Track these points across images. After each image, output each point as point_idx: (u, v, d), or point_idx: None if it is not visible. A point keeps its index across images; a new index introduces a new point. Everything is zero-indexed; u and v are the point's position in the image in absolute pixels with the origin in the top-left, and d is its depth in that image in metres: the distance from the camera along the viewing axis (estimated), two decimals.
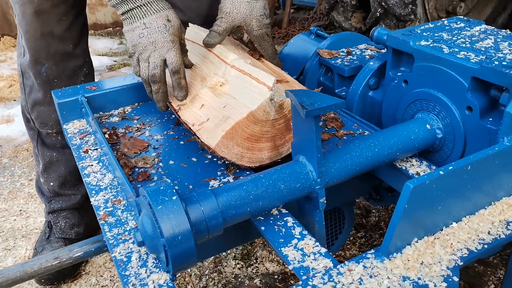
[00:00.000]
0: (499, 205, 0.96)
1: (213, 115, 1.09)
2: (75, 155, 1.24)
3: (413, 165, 1.13)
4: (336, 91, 1.53)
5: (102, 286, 1.61)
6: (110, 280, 1.63)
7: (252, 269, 1.62)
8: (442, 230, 0.90)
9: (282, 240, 0.91)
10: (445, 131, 1.11)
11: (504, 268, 1.54)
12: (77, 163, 1.20)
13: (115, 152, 1.21)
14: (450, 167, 0.84)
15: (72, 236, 1.72)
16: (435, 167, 1.12)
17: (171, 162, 1.17)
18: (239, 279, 1.59)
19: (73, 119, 1.40)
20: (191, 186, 1.07)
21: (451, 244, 0.86)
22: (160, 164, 1.17)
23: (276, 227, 0.94)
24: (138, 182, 1.09)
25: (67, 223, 1.71)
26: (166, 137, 1.29)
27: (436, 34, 1.19)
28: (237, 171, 1.11)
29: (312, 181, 0.95)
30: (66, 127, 1.38)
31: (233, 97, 1.09)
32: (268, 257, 1.66)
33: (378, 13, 3.01)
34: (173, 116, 1.40)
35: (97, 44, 4.53)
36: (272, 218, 0.97)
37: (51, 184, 1.67)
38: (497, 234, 0.89)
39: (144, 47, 1.15)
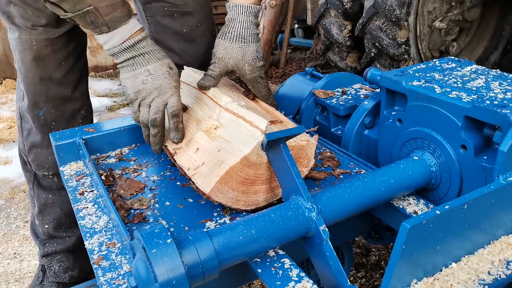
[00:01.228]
0: (498, 244, 0.95)
1: (208, 159, 1.10)
2: (71, 197, 1.23)
3: (410, 203, 1.13)
4: (332, 130, 1.54)
5: None
6: None
7: None
8: (441, 270, 0.88)
9: (279, 283, 0.89)
10: (441, 169, 1.11)
11: None
12: (72, 205, 1.19)
13: (111, 194, 1.21)
14: (447, 206, 0.83)
15: (66, 280, 1.68)
16: (432, 206, 1.11)
17: (167, 203, 1.16)
18: None
19: (70, 161, 1.41)
20: (187, 228, 1.06)
21: (451, 285, 0.85)
22: (156, 205, 1.16)
23: (273, 269, 0.93)
24: (133, 224, 1.08)
25: (61, 266, 1.68)
26: (163, 178, 1.29)
27: (428, 74, 1.21)
28: (234, 212, 1.10)
29: (306, 210, 0.94)
30: (63, 169, 1.38)
31: (227, 140, 1.10)
32: None
33: (372, 53, 3.08)
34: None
35: (97, 86, 4.61)
36: (269, 260, 0.95)
37: (46, 226, 1.65)
38: (497, 274, 0.87)
39: (149, 93, 1.17)
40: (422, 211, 1.09)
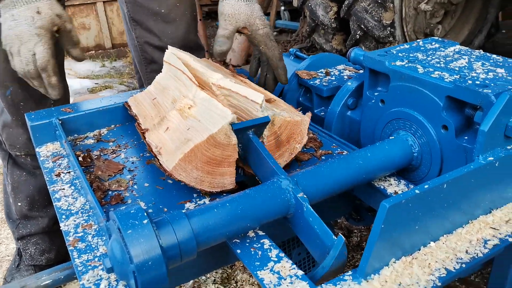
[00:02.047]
0: (476, 223, 0.95)
1: (176, 137, 1.07)
2: (47, 178, 1.20)
3: (391, 184, 1.12)
4: (315, 111, 1.53)
5: None
6: None
7: None
8: (420, 250, 0.88)
9: (258, 263, 0.88)
10: (422, 150, 1.11)
11: (485, 287, 1.52)
12: (48, 187, 1.16)
13: (89, 175, 1.18)
14: (426, 186, 0.83)
15: (42, 263, 1.66)
16: (413, 186, 1.11)
17: (146, 184, 1.14)
18: None
19: (46, 142, 1.37)
20: (165, 209, 1.04)
21: (429, 264, 0.85)
22: (135, 186, 1.14)
23: (252, 249, 0.92)
24: (111, 206, 1.06)
25: (37, 249, 1.65)
26: (142, 159, 1.27)
27: (411, 55, 1.20)
28: (214, 193, 1.09)
29: (284, 188, 0.93)
30: (39, 150, 1.34)
31: (198, 119, 1.07)
32: (249, 281, 1.62)
33: (357, 35, 3.06)
34: None
35: (78, 67, 4.50)
36: (248, 241, 0.94)
37: (19, 204, 1.62)
38: (474, 253, 0.88)
39: (12, 40, 1.10)
40: (402, 191, 1.09)
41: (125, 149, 1.32)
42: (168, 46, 1.47)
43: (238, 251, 0.92)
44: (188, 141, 1.02)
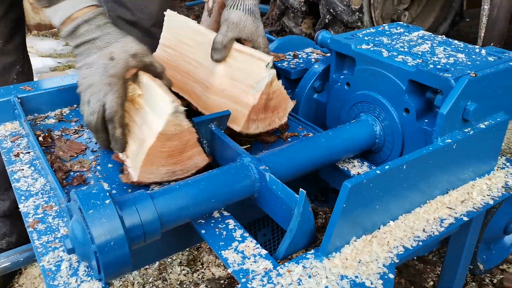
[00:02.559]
0: (433, 203, 0.99)
1: (136, 137, 1.04)
2: (5, 159, 1.16)
3: (354, 166, 1.15)
4: None
5: None
6: None
7: (198, 275, 1.58)
8: (379, 228, 0.91)
9: (223, 243, 0.89)
10: (385, 132, 1.13)
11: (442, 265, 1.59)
12: (6, 168, 1.13)
13: (49, 155, 1.15)
14: (387, 167, 0.85)
15: (3, 246, 1.61)
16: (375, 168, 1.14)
17: (110, 165, 1.12)
18: (184, 286, 1.55)
19: (5, 121, 1.32)
20: (130, 190, 1.03)
21: (388, 242, 0.88)
22: (98, 167, 1.11)
23: (217, 230, 0.92)
24: (72, 187, 1.04)
25: None
26: None
27: (376, 39, 1.22)
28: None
29: (248, 167, 0.94)
30: None
31: (147, 110, 1.02)
32: (215, 262, 1.63)
33: (327, 20, 3.07)
34: None
35: (40, 45, 4.32)
36: (213, 221, 0.95)
37: None
38: (431, 232, 0.91)
39: (85, 89, 1.04)
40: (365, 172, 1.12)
41: (88, 130, 1.29)
42: (168, 10, 1.40)
43: (203, 231, 0.92)
44: (143, 143, 0.99)
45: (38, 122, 1.33)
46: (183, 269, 1.59)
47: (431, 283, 1.51)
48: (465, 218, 0.95)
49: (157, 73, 1.10)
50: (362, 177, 0.82)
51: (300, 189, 0.83)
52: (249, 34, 1.19)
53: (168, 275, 1.56)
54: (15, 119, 1.33)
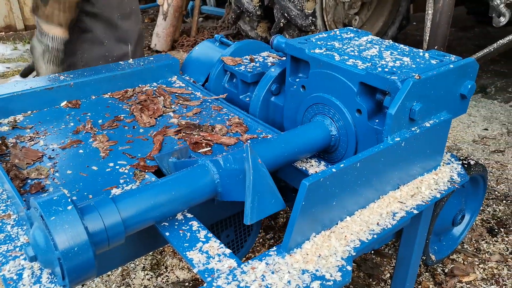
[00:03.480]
0: (386, 198, 1.05)
1: None
2: None
3: (312, 165, 1.20)
4: (240, 96, 1.56)
5: None
6: None
7: (162, 279, 1.58)
8: (337, 224, 0.96)
9: (187, 244, 0.91)
10: (340, 133, 1.19)
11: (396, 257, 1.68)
12: None
13: (4, 163, 1.12)
14: (342, 165, 0.90)
15: None
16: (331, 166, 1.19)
17: (69, 171, 1.11)
18: None
19: None
20: (91, 196, 1.02)
21: (345, 236, 0.93)
22: (57, 174, 1.10)
23: (181, 231, 0.94)
24: (31, 194, 1.02)
25: None
26: (62, 145, 1.22)
27: (329, 43, 1.27)
28: (146, 177, 1.08)
29: (217, 189, 0.96)
30: None
31: None
32: (179, 265, 1.63)
33: (281, 24, 3.14)
34: (71, 124, 1.33)
35: None
36: (177, 223, 0.96)
37: None
38: (384, 225, 0.97)
39: None
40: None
41: (44, 136, 1.26)
42: None
43: (167, 233, 0.93)
44: None
45: None
46: (147, 274, 1.58)
47: (388, 275, 1.58)
48: (415, 211, 1.01)
49: None
50: (319, 175, 0.86)
51: (245, 144, 0.86)
52: None
53: (131, 280, 1.55)
54: None
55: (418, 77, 1.01)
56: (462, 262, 1.63)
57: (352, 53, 1.20)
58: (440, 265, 1.66)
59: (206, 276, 0.83)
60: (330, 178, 0.88)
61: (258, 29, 3.47)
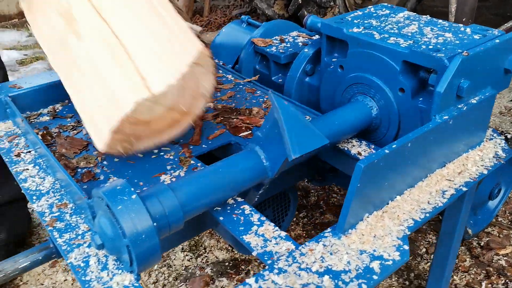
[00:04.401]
0: (434, 176, 1.05)
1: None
2: (6, 159, 1.14)
3: (354, 145, 1.20)
4: (272, 78, 1.56)
5: None
6: (53, 287, 1.54)
7: (202, 259, 1.62)
8: (388, 204, 0.97)
9: (242, 228, 0.92)
10: (381, 112, 1.18)
11: (432, 233, 1.69)
12: (9, 168, 1.11)
13: (52, 153, 1.14)
14: (394, 146, 0.90)
15: None
16: (373, 146, 1.19)
17: (116, 159, 1.13)
18: (190, 270, 1.58)
19: None
20: (141, 183, 1.04)
21: (398, 216, 0.94)
22: (105, 162, 1.12)
23: (234, 215, 0.96)
24: (83, 183, 1.04)
25: None
26: None
27: (366, 21, 1.26)
28: (192, 163, 1.10)
29: (267, 176, 0.97)
30: None
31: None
32: (217, 246, 1.67)
33: (299, 0, 3.09)
34: None
35: (2, 37, 4.15)
36: (229, 208, 0.98)
37: None
38: (435, 203, 0.98)
39: None
40: (365, 151, 1.17)
41: None
42: None
43: (221, 218, 0.95)
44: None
45: (32, 120, 1.31)
46: (187, 255, 1.62)
47: (424, 249, 1.60)
48: (464, 189, 1.02)
49: None
50: (374, 157, 0.86)
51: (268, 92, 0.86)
52: None
53: (172, 261, 1.59)
54: (7, 119, 1.31)
55: (466, 54, 0.99)
56: (497, 235, 1.64)
57: (392, 31, 1.18)
58: (476, 238, 1.67)
59: (266, 258, 0.85)
60: (383, 159, 0.88)
61: (275, 6, 3.43)
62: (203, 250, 1.65)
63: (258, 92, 1.46)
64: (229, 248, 1.67)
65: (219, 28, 4.69)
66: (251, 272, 1.58)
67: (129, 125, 0.92)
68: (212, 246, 1.66)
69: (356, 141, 1.21)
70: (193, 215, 0.90)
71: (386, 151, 0.89)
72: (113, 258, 0.84)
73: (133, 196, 0.78)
